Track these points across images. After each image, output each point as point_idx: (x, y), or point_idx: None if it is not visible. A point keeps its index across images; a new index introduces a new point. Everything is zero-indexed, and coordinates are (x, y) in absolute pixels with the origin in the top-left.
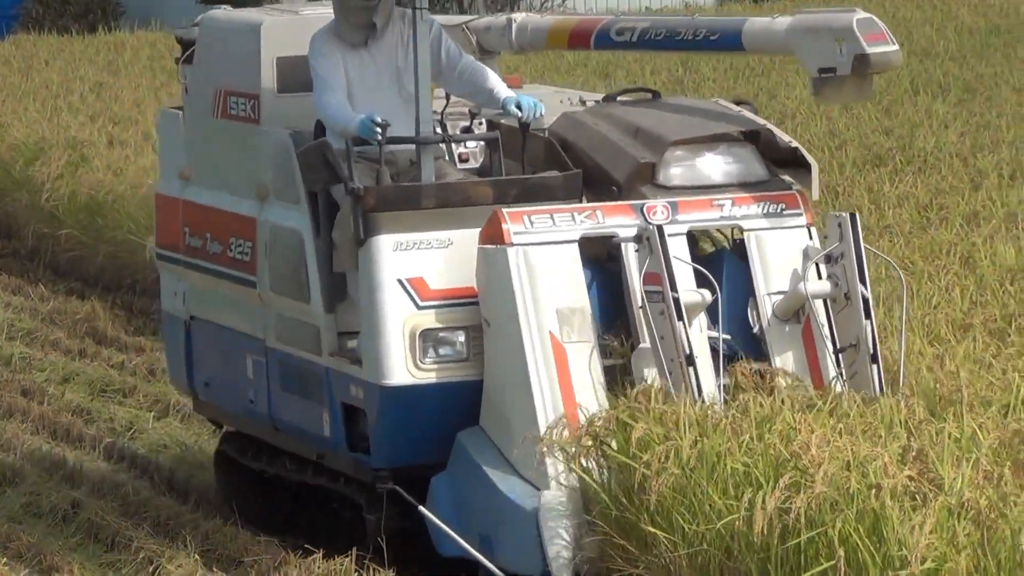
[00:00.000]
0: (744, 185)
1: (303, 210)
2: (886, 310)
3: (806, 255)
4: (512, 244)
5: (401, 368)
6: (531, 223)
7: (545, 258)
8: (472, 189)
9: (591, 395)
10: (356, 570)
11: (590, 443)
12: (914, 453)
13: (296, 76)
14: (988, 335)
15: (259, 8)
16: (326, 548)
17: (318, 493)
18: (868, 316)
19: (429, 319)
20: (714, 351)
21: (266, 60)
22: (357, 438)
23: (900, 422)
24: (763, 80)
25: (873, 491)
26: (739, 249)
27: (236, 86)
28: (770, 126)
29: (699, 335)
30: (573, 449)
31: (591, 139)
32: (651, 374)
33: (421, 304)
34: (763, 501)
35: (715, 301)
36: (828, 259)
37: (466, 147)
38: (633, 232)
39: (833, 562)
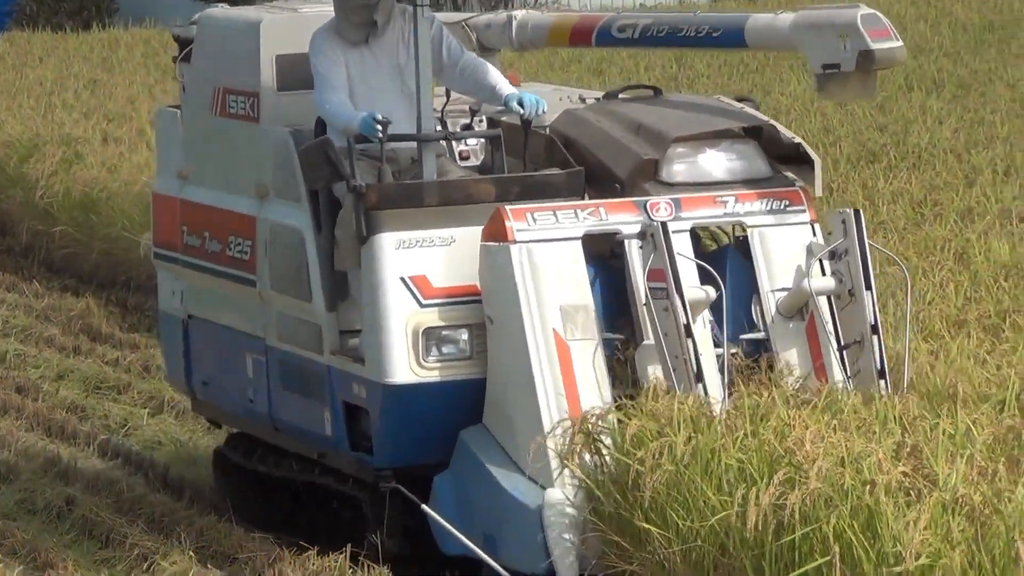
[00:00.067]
0: (747, 182)
1: (304, 208)
2: (881, 305)
3: (810, 252)
4: (515, 241)
5: (404, 367)
6: (534, 220)
7: (548, 255)
8: (474, 187)
9: (595, 393)
10: (351, 567)
11: (582, 440)
12: (908, 449)
13: (296, 74)
14: (982, 331)
15: (257, 6)
16: (327, 547)
17: (318, 493)
18: (873, 312)
19: (432, 317)
20: (718, 348)
21: (266, 58)
22: (359, 437)
23: (894, 418)
24: (757, 77)
25: (867, 487)
26: (743, 246)
27: (235, 84)
28: (773, 122)
29: (703, 332)
30: (570, 446)
31: (593, 136)
32: (655, 371)
33: (424, 302)
34: (757, 497)
35: (719, 298)
36: (832, 255)
37: (467, 145)
38: (637, 229)
39: (828, 558)
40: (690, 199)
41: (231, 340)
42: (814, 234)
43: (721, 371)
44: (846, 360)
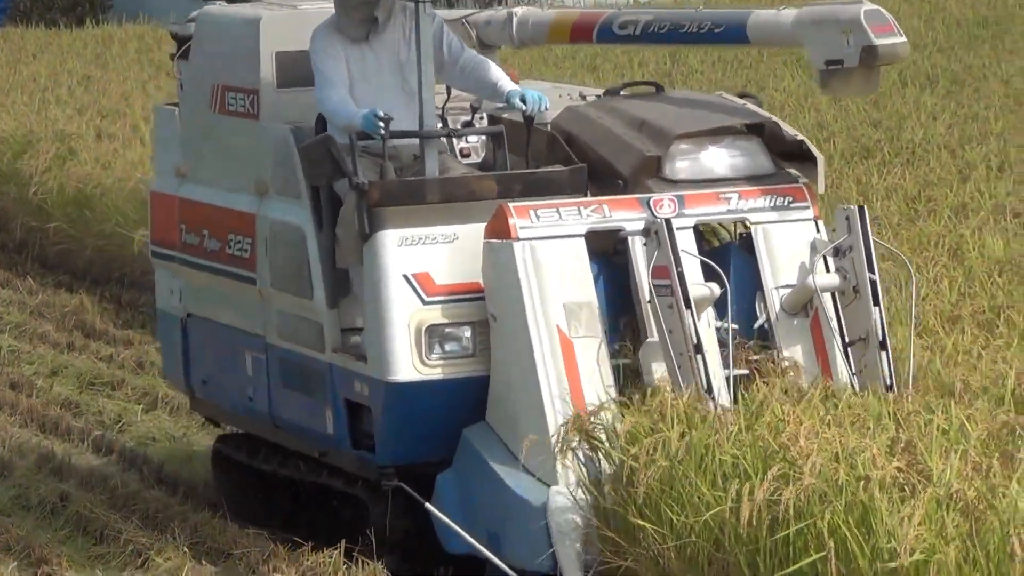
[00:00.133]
0: (750, 178)
1: (305, 205)
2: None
3: (814, 248)
4: (518, 239)
5: (407, 364)
6: (537, 217)
7: (552, 252)
8: (476, 183)
9: (599, 390)
10: (345, 563)
11: (576, 437)
12: (903, 445)
13: (295, 71)
14: (976, 327)
15: (256, 3)
16: (321, 544)
17: (319, 491)
18: (877, 305)
19: (435, 314)
20: (723, 344)
21: (265, 55)
22: (361, 435)
23: (889, 414)
24: (751, 72)
25: (862, 483)
26: (746, 243)
27: (235, 81)
28: (775, 119)
29: (707, 329)
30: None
31: (595, 133)
32: (659, 368)
33: (427, 299)
34: (751, 493)
35: (723, 295)
36: (836, 252)
37: (468, 142)
38: (640, 226)
39: (822, 554)
40: (693, 196)
41: (230, 338)
42: (818, 231)
43: (726, 365)
44: (851, 357)
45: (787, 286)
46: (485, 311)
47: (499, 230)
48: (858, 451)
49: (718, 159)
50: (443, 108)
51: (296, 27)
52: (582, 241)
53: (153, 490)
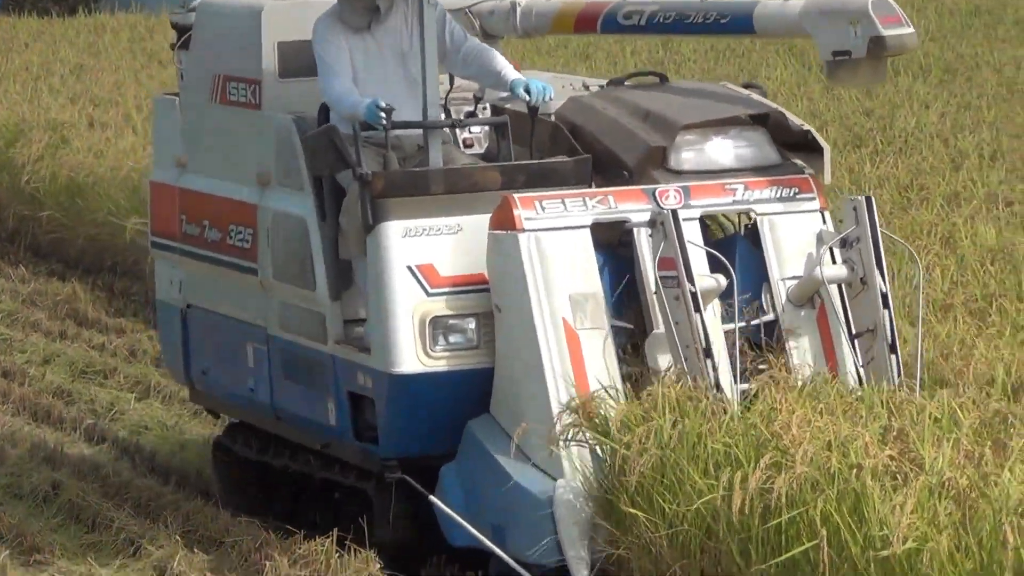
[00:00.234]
0: (756, 169)
1: (307, 196)
2: None
3: (820, 239)
4: (523, 230)
5: (411, 356)
6: (542, 208)
7: (557, 244)
8: (480, 174)
9: (605, 382)
10: (337, 551)
11: (571, 427)
12: (895, 433)
13: (298, 61)
14: (969, 315)
15: None
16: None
17: (322, 483)
18: (886, 303)
19: (439, 306)
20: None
21: (267, 45)
22: (364, 427)
23: (881, 402)
24: (744, 61)
25: (854, 471)
26: (751, 234)
27: (236, 71)
28: (781, 109)
29: (713, 320)
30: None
31: (600, 123)
32: (665, 360)
33: (431, 291)
34: (744, 481)
35: (729, 286)
36: (843, 243)
37: (471, 132)
38: (646, 217)
39: (814, 542)
40: (699, 187)
41: (231, 329)
42: (824, 222)
43: (732, 359)
44: (858, 349)
45: (793, 277)
46: (489, 302)
47: (504, 221)
48: (850, 439)
49: (724, 150)
50: (446, 98)
51: (298, 17)
52: (587, 232)
53: (145, 479)
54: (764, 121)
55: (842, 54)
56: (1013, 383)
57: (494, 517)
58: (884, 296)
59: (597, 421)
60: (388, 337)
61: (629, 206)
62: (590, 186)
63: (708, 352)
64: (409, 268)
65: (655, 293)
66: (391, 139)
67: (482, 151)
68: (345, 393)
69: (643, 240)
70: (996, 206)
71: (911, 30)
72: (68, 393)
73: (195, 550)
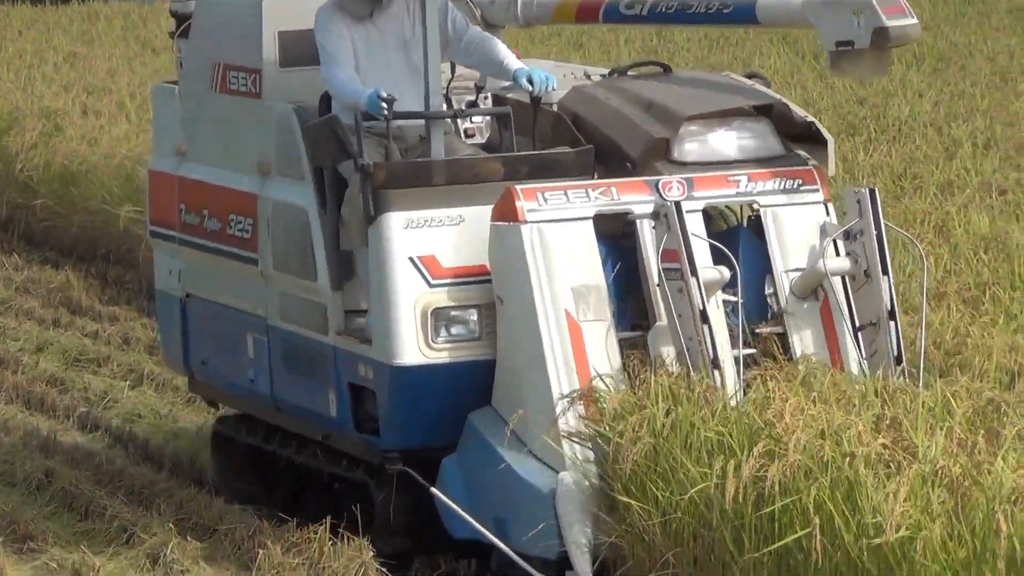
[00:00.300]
0: (760, 160)
1: (308, 186)
2: None
3: (824, 231)
4: (526, 221)
5: (412, 347)
6: (545, 200)
7: (560, 236)
8: (482, 165)
9: (608, 374)
10: (330, 539)
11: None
12: (888, 421)
13: (298, 50)
14: (962, 304)
15: None
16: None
17: (322, 475)
18: (890, 295)
19: (441, 297)
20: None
21: (268, 34)
22: (365, 418)
23: (875, 391)
24: (737, 50)
25: (847, 459)
26: (754, 225)
27: (236, 60)
28: (784, 100)
29: (717, 312)
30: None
31: (603, 114)
32: (668, 352)
33: (433, 282)
34: (737, 469)
35: (732, 278)
36: (847, 235)
37: (472, 122)
38: (649, 209)
39: (807, 530)
40: (702, 178)
41: (231, 319)
42: (828, 214)
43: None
44: (861, 341)
45: (797, 269)
46: (491, 294)
47: (506, 213)
48: (843, 428)
49: (727, 141)
50: (447, 87)
51: (298, 6)
52: (590, 224)
53: (138, 466)
54: (768, 112)
55: (845, 44)
56: (1006, 371)
57: (496, 509)
58: (888, 288)
59: (596, 411)
60: (390, 328)
61: (632, 198)
62: (592, 177)
63: (709, 333)
64: (411, 259)
65: (658, 285)
66: (393, 129)
67: (483, 141)
68: (346, 384)
69: (646, 232)
70: (989, 194)
71: (914, 20)
72: (61, 381)
73: (188, 538)
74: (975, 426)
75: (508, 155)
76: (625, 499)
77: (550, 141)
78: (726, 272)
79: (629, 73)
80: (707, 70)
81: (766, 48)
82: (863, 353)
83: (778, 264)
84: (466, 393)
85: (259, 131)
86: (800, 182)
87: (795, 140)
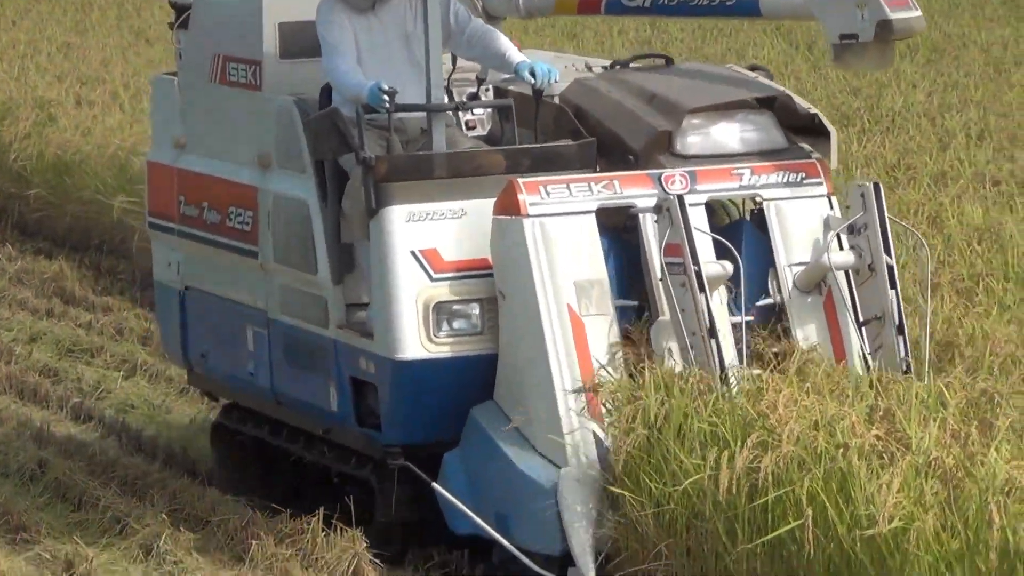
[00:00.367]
0: (763, 153)
1: (309, 179)
2: None
3: (827, 225)
4: (528, 215)
5: (414, 342)
6: (547, 193)
7: (562, 229)
8: (484, 158)
9: (611, 369)
10: (324, 529)
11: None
12: (881, 412)
13: (299, 42)
14: (956, 294)
15: None
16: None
17: (322, 469)
18: (893, 287)
19: (443, 291)
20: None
21: (268, 25)
22: (366, 413)
23: (868, 382)
24: (731, 40)
25: (840, 450)
26: (757, 219)
27: (236, 52)
28: (788, 92)
29: (720, 307)
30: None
31: (605, 106)
32: (671, 347)
33: (435, 276)
34: (730, 460)
35: (735, 272)
36: (851, 229)
37: (473, 114)
38: (651, 202)
39: (800, 521)
40: (705, 172)
41: (231, 312)
42: (831, 207)
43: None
44: (865, 336)
45: (800, 264)
46: (494, 288)
47: (509, 206)
48: (837, 419)
49: (730, 134)
50: (448, 79)
51: None
52: (593, 218)
53: (132, 457)
54: (771, 104)
55: (849, 38)
56: (999, 362)
57: (498, 505)
58: (892, 281)
59: (598, 406)
60: (391, 322)
61: (635, 191)
62: (595, 170)
63: (712, 328)
64: (413, 253)
65: (661, 279)
66: (394, 122)
67: (484, 133)
68: (347, 378)
69: (649, 226)
70: (983, 185)
71: (918, 13)
72: (55, 372)
73: (181, 529)
74: (968, 417)
75: (510, 148)
76: (618, 490)
77: (552, 134)
78: (729, 266)
79: (631, 65)
80: (701, 60)
81: (760, 39)
82: (867, 347)
83: (781, 258)
84: (468, 388)
85: (259, 123)
86: (803, 175)
87: (798, 132)
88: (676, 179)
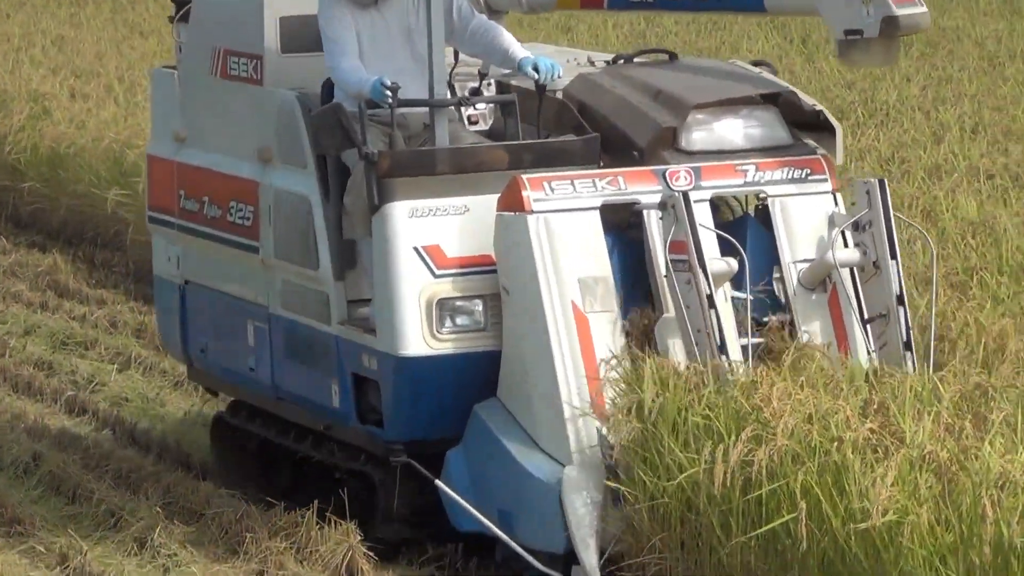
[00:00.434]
0: (767, 150)
1: (311, 174)
2: None
3: (832, 222)
4: (532, 211)
5: (417, 338)
6: (551, 190)
7: (566, 226)
8: (487, 154)
9: (615, 366)
10: (318, 522)
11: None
12: (875, 406)
13: (300, 36)
14: (950, 288)
15: None
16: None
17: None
18: (900, 286)
19: (446, 288)
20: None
21: (269, 20)
22: (368, 409)
23: (863, 375)
24: (725, 34)
25: (835, 444)
26: (761, 215)
27: (237, 46)
28: (793, 88)
29: (725, 304)
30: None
31: (609, 102)
32: (675, 344)
33: (437, 272)
34: (724, 454)
35: (740, 268)
36: (856, 226)
37: (475, 109)
38: (656, 199)
39: (795, 514)
40: (710, 168)
41: (231, 307)
42: (836, 204)
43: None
44: (870, 333)
45: (805, 260)
46: (497, 284)
47: (513, 203)
48: (831, 412)
49: (735, 130)
50: (450, 74)
51: None
52: (597, 214)
53: (126, 450)
54: (775, 101)
55: (854, 33)
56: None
57: (501, 502)
58: (898, 279)
59: (603, 403)
60: (394, 319)
61: (639, 187)
62: (598, 166)
63: (717, 325)
64: (415, 249)
65: (665, 277)
66: (397, 117)
67: (486, 128)
68: (349, 375)
69: (653, 223)
70: (977, 179)
71: (924, 9)
72: (49, 364)
73: (176, 522)
74: (962, 411)
75: (513, 144)
76: (613, 484)
77: (555, 129)
78: (734, 263)
79: (635, 60)
80: (695, 54)
81: (754, 32)
82: (871, 345)
83: (786, 255)
84: (471, 385)
85: (260, 118)
86: (808, 171)
87: (803, 128)
88: (681, 175)
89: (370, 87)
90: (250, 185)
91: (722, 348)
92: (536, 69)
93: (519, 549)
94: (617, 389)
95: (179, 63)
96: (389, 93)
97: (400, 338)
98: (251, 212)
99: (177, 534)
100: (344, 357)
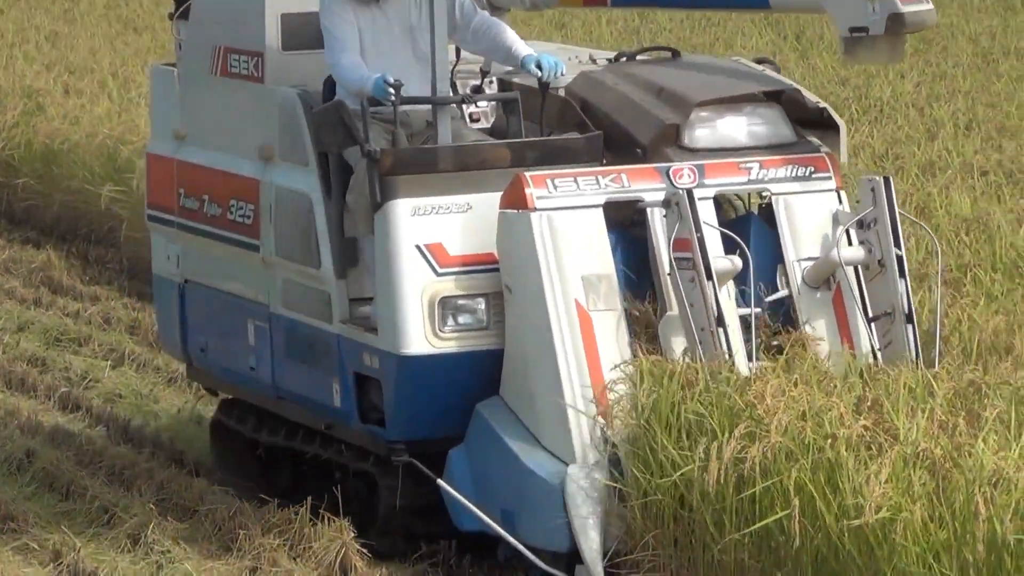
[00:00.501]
0: (771, 147)
1: (312, 172)
2: None
3: (837, 220)
4: (535, 209)
5: (419, 337)
6: (555, 187)
7: (569, 224)
8: (490, 151)
9: (618, 364)
10: (311, 519)
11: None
12: (869, 403)
13: (301, 33)
14: (943, 285)
15: None
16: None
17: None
18: (904, 281)
19: (448, 286)
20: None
21: (270, 17)
22: (369, 408)
23: (857, 373)
24: (719, 30)
25: (828, 441)
26: (765, 213)
27: (238, 43)
28: (796, 86)
29: (729, 302)
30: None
31: (612, 100)
32: (679, 342)
33: (440, 271)
34: (718, 451)
35: (744, 266)
36: (860, 224)
37: (477, 106)
38: (660, 197)
39: (788, 511)
40: (714, 166)
41: (231, 306)
42: (840, 202)
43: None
44: (874, 332)
45: (809, 259)
46: (500, 283)
47: (515, 200)
48: (825, 409)
49: (738, 127)
50: (452, 72)
51: None
52: (600, 212)
53: (119, 447)
54: (778, 98)
55: (859, 31)
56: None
57: (504, 501)
58: (903, 276)
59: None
60: (396, 317)
61: (643, 185)
62: (601, 164)
63: (721, 323)
64: (418, 247)
65: (669, 275)
66: (399, 115)
67: (488, 126)
68: (351, 374)
69: (657, 220)
70: (971, 175)
71: (930, 6)
72: (42, 361)
73: (169, 518)
74: (956, 408)
75: (516, 141)
76: (608, 482)
77: (557, 127)
78: (738, 261)
79: (638, 58)
80: (690, 51)
81: (748, 29)
82: (876, 343)
83: (790, 253)
84: (474, 383)
85: (261, 115)
86: (812, 169)
87: (806, 126)
88: (684, 173)
89: (372, 84)
90: (251, 183)
91: (726, 346)
92: (539, 67)
93: (522, 548)
94: (617, 387)
95: (179, 61)
96: (392, 90)
97: (402, 337)
98: (252, 210)
99: (170, 531)
100: (346, 356)
